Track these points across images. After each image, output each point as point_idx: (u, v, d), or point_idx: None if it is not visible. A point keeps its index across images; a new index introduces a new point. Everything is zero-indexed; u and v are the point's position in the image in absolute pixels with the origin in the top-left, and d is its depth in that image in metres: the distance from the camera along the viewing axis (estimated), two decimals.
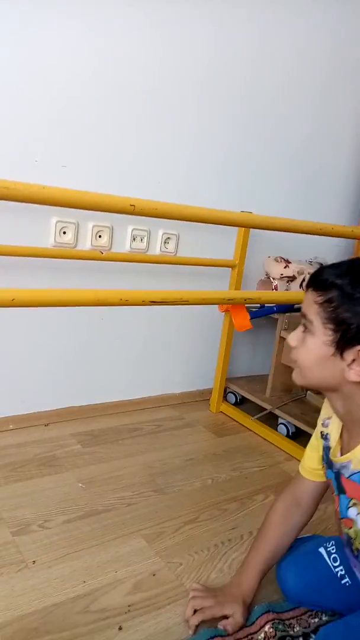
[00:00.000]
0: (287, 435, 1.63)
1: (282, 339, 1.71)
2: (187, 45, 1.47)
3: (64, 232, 1.38)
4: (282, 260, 1.77)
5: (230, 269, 1.68)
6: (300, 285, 1.75)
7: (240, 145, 1.69)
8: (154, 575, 1.00)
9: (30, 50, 1.23)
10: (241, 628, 0.88)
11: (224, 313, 1.66)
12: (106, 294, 0.80)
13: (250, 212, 1.61)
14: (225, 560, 1.07)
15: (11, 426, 1.48)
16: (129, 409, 1.72)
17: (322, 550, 0.96)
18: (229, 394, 1.89)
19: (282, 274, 1.75)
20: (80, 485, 1.26)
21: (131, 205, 0.75)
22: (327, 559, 0.94)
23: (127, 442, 1.52)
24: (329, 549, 0.95)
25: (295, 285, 1.77)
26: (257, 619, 0.91)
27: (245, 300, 0.98)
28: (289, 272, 1.76)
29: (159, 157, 1.52)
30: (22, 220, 1.32)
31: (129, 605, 0.92)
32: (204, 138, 1.59)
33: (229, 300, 0.96)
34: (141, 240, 1.53)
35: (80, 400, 1.62)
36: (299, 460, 0.95)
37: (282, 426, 1.66)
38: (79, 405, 1.62)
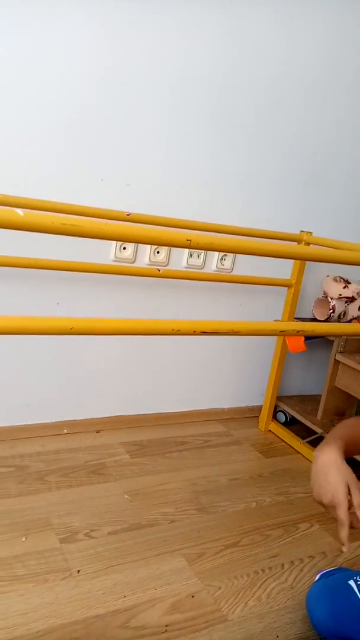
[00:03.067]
0: None
1: (337, 362, 1.67)
2: (254, 50, 1.47)
3: (124, 248, 1.42)
4: (342, 280, 1.73)
5: (286, 288, 1.66)
6: None
7: (298, 156, 1.66)
8: (192, 596, 1.01)
9: (105, 70, 1.28)
10: None
11: None
12: (159, 324, 0.82)
13: (310, 232, 1.59)
14: (264, 589, 1.07)
15: (65, 430, 1.55)
16: (177, 421, 1.74)
17: (351, 583, 0.94)
18: (279, 412, 1.87)
19: (340, 294, 1.71)
20: (126, 496, 1.29)
21: (187, 240, 0.77)
22: (357, 591, 0.92)
23: (174, 455, 1.54)
24: (358, 582, 0.93)
25: (354, 306, 1.72)
26: None
27: (297, 332, 0.97)
28: (348, 292, 1.72)
29: (217, 172, 1.52)
30: None
31: (166, 625, 0.94)
32: (261, 150, 1.59)
33: (281, 332, 0.95)
34: (198, 256, 1.55)
35: (130, 410, 1.66)
36: None
37: None
38: (129, 414, 1.66)
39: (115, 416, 1.64)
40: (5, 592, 0.94)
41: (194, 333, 0.86)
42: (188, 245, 0.78)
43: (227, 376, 1.81)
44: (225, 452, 1.60)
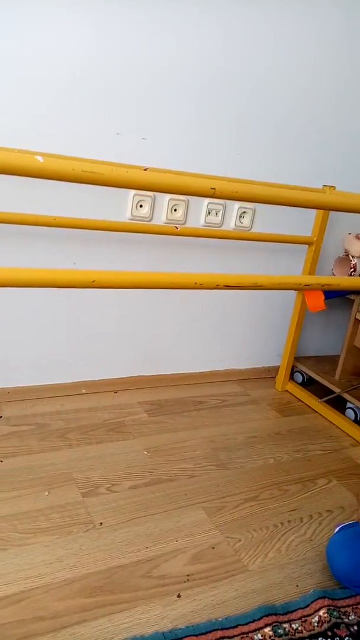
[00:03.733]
0: (355, 421, 1.60)
1: (357, 321, 1.64)
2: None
3: (141, 206, 1.39)
4: None
5: (307, 245, 1.62)
6: None
7: (318, 111, 1.60)
8: (213, 548, 1.03)
9: (116, 32, 1.22)
10: (295, 609, 0.90)
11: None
12: (181, 278, 0.81)
13: (333, 187, 1.54)
14: (284, 541, 1.08)
15: (83, 390, 1.56)
16: (194, 382, 1.75)
17: None
18: (296, 373, 1.86)
19: None
20: (145, 453, 1.31)
21: (212, 189, 0.74)
22: None
23: (192, 414, 1.55)
24: None
25: None
26: (312, 602, 0.93)
27: (322, 286, 0.95)
28: None
29: (237, 126, 1.47)
30: (104, 192, 1.34)
31: (187, 575, 0.96)
32: (289, 107, 1.52)
33: (305, 286, 0.93)
34: (216, 214, 1.51)
35: (148, 370, 1.67)
36: None
37: (350, 411, 1.63)
38: (146, 375, 1.67)
39: (133, 376, 1.64)
40: (31, 544, 0.96)
41: (217, 287, 0.85)
42: (212, 194, 0.75)
43: (244, 337, 1.80)
44: (243, 411, 1.61)
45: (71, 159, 0.69)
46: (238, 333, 1.78)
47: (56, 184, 1.27)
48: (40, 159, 0.64)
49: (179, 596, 0.91)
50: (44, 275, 0.69)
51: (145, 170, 1.22)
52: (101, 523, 1.05)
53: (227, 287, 0.85)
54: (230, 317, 1.74)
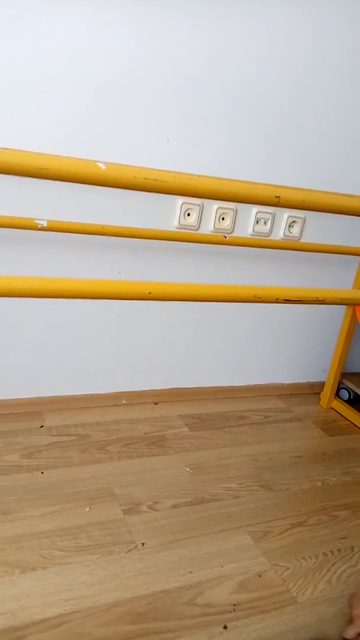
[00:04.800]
0: None
1: None
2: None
3: (188, 214, 1.36)
4: None
5: (359, 257, 1.56)
6: None
7: None
8: (259, 576, 0.98)
9: (172, 38, 1.19)
10: None
11: None
12: (240, 291, 0.76)
13: None
14: (334, 572, 1.02)
15: (124, 401, 1.53)
16: (235, 395, 1.69)
17: None
18: (342, 389, 1.79)
19: None
20: (187, 469, 1.26)
21: (276, 197, 0.70)
22: None
23: (234, 430, 1.49)
24: None
25: None
26: None
27: None
28: None
29: (286, 130, 1.42)
30: (150, 200, 1.31)
31: (234, 604, 0.90)
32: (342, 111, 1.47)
33: None
34: (264, 223, 1.46)
35: (188, 382, 1.62)
36: None
37: None
38: (186, 387, 1.62)
39: (173, 388, 1.60)
40: (71, 563, 0.93)
41: (277, 301, 0.80)
42: (276, 202, 0.70)
43: (288, 350, 1.74)
44: (286, 429, 1.55)
45: (131, 167, 0.66)
46: (282, 346, 1.72)
47: (103, 192, 1.25)
48: (102, 165, 0.62)
49: (225, 627, 0.86)
50: (100, 286, 0.66)
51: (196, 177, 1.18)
52: (143, 544, 1.01)
53: (287, 301, 0.80)
54: (274, 329, 1.68)
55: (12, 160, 0.58)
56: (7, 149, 0.57)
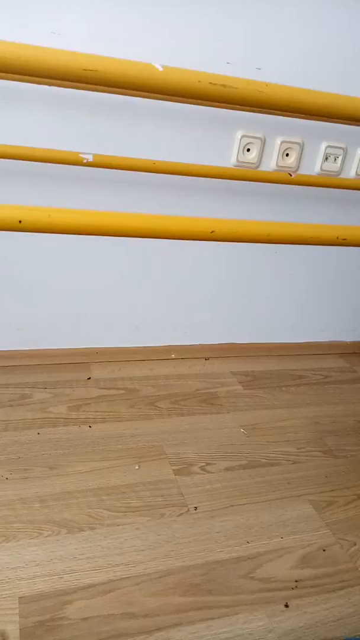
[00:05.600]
0: None
1: None
2: None
3: (248, 150, 1.21)
4: None
5: None
6: None
7: None
8: (324, 550, 0.89)
9: None
10: None
11: None
12: (321, 230, 0.64)
13: None
14: None
15: (173, 355, 1.44)
16: (293, 353, 1.58)
17: None
18: None
19: None
20: (242, 430, 1.18)
21: None
22: None
23: (291, 389, 1.39)
24: None
25: None
26: None
27: None
28: None
29: None
30: (207, 134, 1.17)
31: (296, 581, 0.83)
32: None
33: None
34: (334, 160, 1.29)
35: (242, 338, 1.52)
36: None
37: None
38: (240, 343, 1.52)
39: (225, 344, 1.50)
40: (120, 524, 0.87)
41: (337, 239, 0.67)
42: None
43: (352, 306, 1.59)
44: (350, 391, 1.42)
45: (194, 71, 0.54)
46: (345, 301, 1.57)
47: (156, 122, 1.12)
48: (159, 67, 0.50)
49: (286, 606, 0.78)
50: (163, 222, 0.55)
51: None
52: (196, 507, 0.94)
53: (345, 241, 0.66)
54: (335, 283, 1.53)
55: (53, 59, 0.47)
56: (47, 47, 0.46)
